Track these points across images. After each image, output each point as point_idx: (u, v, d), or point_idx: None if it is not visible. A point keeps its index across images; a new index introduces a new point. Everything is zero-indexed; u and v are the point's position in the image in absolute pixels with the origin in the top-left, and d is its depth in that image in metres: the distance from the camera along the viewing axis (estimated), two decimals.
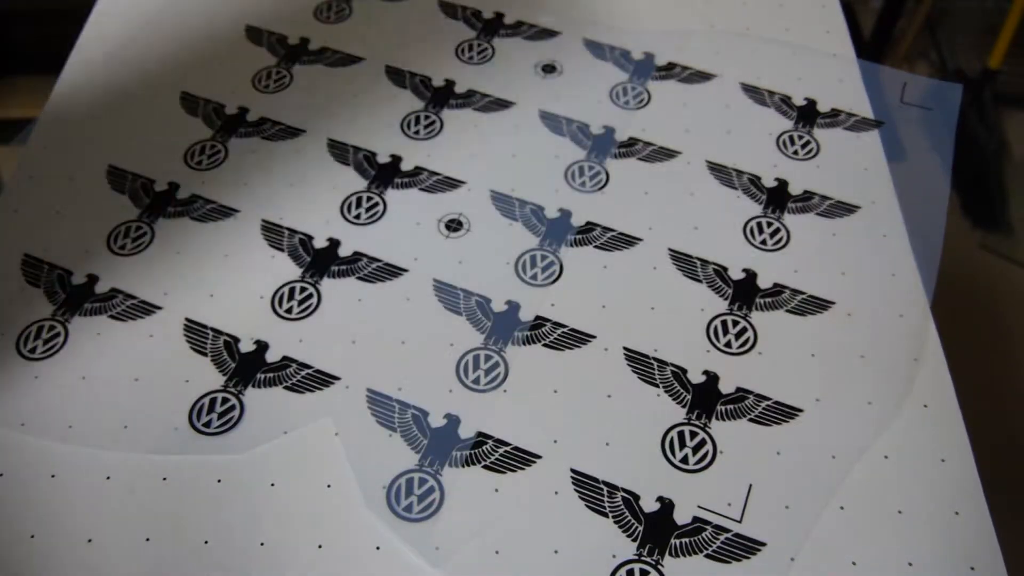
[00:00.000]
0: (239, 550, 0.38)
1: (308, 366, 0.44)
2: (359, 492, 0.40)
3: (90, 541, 0.38)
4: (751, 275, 0.47)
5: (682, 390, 0.43)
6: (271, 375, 0.44)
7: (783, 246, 0.49)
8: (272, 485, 0.40)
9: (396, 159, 0.53)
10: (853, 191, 0.51)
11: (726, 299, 0.46)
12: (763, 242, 0.49)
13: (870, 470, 0.40)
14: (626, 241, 0.49)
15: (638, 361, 0.44)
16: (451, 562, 0.38)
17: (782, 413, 0.42)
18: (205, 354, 0.44)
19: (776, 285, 0.47)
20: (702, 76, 0.58)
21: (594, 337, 0.45)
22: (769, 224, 0.50)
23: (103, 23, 0.62)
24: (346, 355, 0.44)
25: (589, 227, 0.49)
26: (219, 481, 0.40)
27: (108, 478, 0.40)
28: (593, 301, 0.46)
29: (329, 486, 0.40)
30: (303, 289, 0.47)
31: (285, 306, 0.46)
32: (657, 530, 0.39)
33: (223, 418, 0.42)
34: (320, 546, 0.38)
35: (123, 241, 0.49)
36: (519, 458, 0.41)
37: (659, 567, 0.38)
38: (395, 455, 0.41)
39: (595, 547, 0.38)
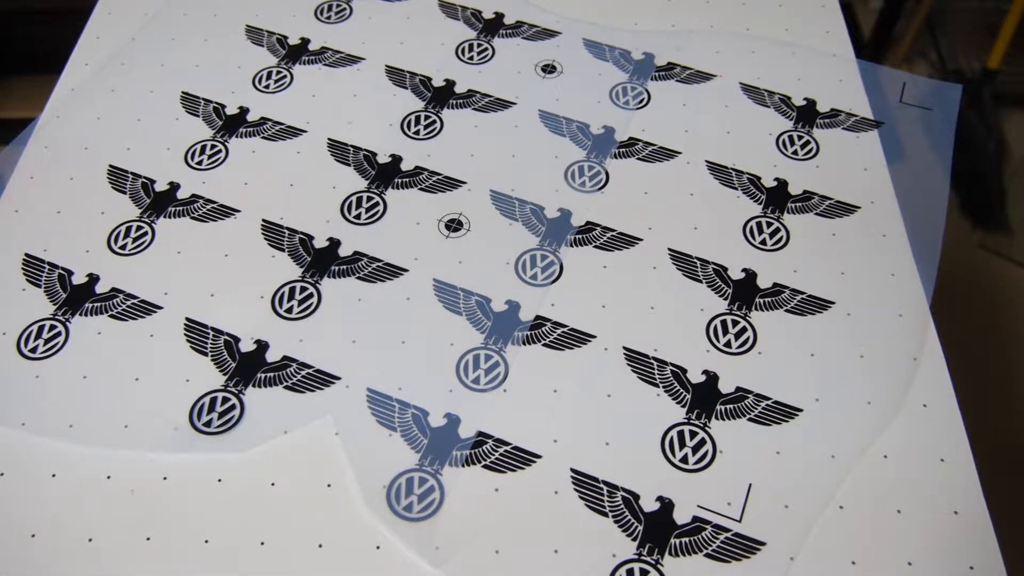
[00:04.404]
0: (239, 550, 0.38)
1: (308, 366, 0.44)
2: (359, 492, 0.40)
3: (90, 541, 0.38)
4: (751, 275, 0.47)
5: (682, 390, 0.43)
6: (271, 375, 0.44)
7: (783, 246, 0.49)
8: (272, 485, 0.40)
9: (396, 159, 0.53)
10: (852, 191, 0.51)
11: (726, 299, 0.46)
12: (763, 242, 0.49)
13: (870, 470, 0.40)
14: (626, 241, 0.49)
15: (638, 361, 0.44)
16: (451, 562, 0.38)
17: (782, 413, 0.42)
18: (205, 354, 0.44)
19: (776, 285, 0.47)
20: (702, 76, 0.58)
21: (594, 337, 0.45)
22: (769, 224, 0.50)
23: (103, 23, 0.62)
24: (346, 355, 0.44)
25: (589, 227, 0.49)
26: (219, 481, 0.40)
27: (108, 478, 0.40)
28: (593, 301, 0.46)
29: (329, 486, 0.40)
30: (303, 289, 0.47)
31: (285, 306, 0.46)
32: (657, 530, 0.39)
33: (223, 418, 0.42)
34: (320, 546, 0.38)
35: (123, 241, 0.49)
36: (519, 458, 0.41)
37: (659, 567, 0.38)
38: (395, 455, 0.41)
39: (595, 547, 0.38)
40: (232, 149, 0.54)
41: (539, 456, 0.41)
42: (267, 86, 0.57)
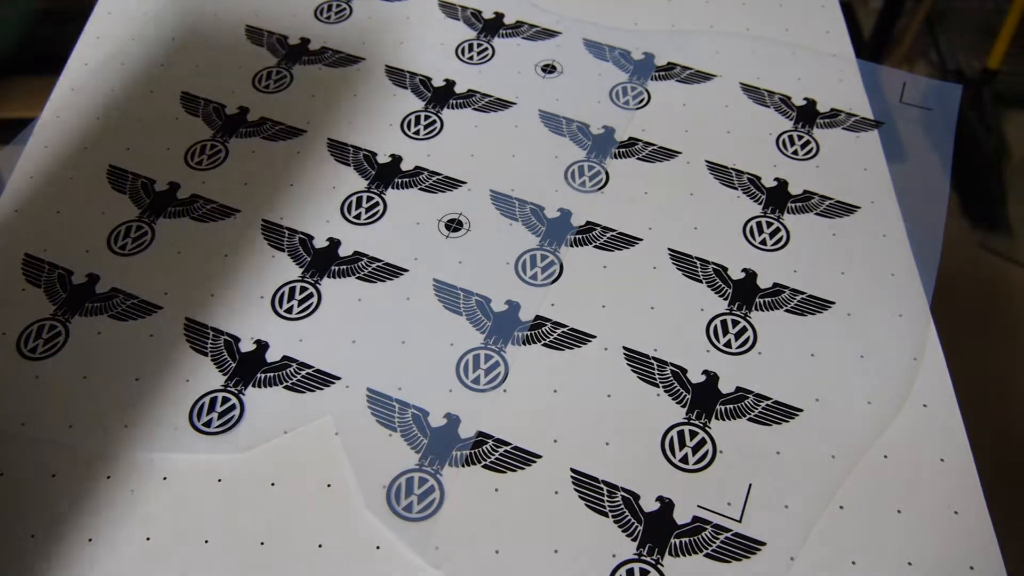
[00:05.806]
0: (240, 550, 0.38)
1: (308, 366, 0.44)
2: (359, 492, 0.40)
3: (90, 541, 0.38)
4: (751, 275, 0.47)
5: (682, 390, 0.43)
6: (271, 375, 0.44)
7: (783, 246, 0.49)
8: (272, 485, 0.40)
9: (396, 159, 0.53)
10: (853, 191, 0.51)
11: (726, 299, 0.46)
12: (763, 242, 0.49)
13: (870, 470, 0.40)
14: (626, 241, 0.49)
15: (638, 361, 0.44)
16: (451, 562, 0.38)
17: (782, 413, 0.42)
18: (205, 354, 0.44)
19: (776, 285, 0.47)
20: (702, 76, 0.58)
21: (594, 337, 0.45)
22: (769, 224, 0.50)
23: (103, 23, 0.62)
24: (346, 355, 0.44)
25: (589, 227, 0.49)
26: (219, 481, 0.40)
27: (108, 478, 0.40)
28: (593, 301, 0.46)
29: (329, 486, 0.40)
30: (303, 289, 0.47)
31: (285, 306, 0.46)
32: (657, 530, 0.39)
33: (223, 418, 0.42)
34: (320, 546, 0.38)
35: (123, 241, 0.49)
36: (519, 458, 0.41)
37: (659, 567, 0.38)
38: (395, 455, 0.41)
39: (595, 547, 0.38)
40: (232, 149, 0.54)
41: (539, 456, 0.41)
42: (267, 86, 0.57)
